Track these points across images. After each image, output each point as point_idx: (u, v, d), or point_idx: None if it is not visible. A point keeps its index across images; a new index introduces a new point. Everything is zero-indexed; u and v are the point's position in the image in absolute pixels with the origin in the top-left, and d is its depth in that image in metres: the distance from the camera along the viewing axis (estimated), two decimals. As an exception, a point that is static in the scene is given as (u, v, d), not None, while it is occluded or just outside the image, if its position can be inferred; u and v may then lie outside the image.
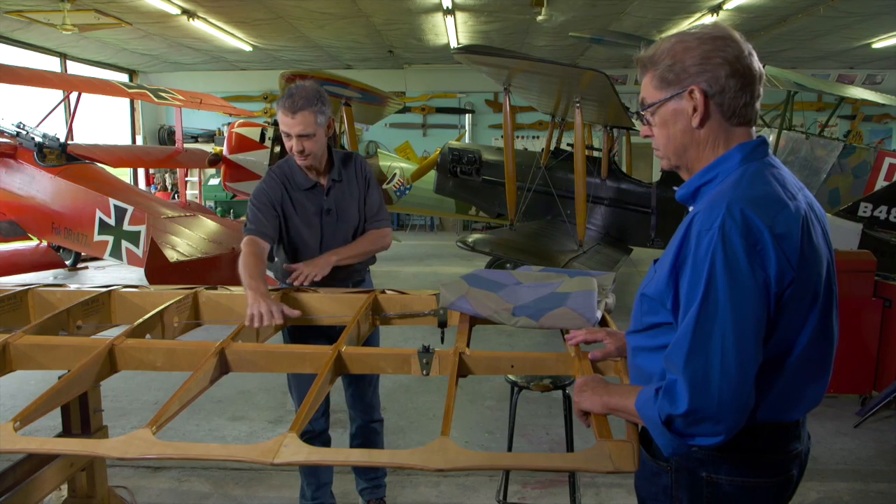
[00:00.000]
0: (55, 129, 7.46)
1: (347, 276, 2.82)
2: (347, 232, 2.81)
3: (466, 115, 15.36)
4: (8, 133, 7.00)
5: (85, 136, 10.84)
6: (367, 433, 3.05)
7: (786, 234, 1.28)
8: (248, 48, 12.26)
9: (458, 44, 11.39)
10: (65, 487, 2.68)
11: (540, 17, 9.45)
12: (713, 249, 1.26)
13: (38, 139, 6.87)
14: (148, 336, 2.20)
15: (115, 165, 7.95)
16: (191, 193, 12.22)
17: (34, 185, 6.74)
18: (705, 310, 1.26)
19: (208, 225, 6.42)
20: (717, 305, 1.25)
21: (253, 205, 2.70)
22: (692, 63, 1.36)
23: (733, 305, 1.25)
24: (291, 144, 2.61)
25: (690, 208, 1.46)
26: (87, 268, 9.48)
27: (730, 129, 1.40)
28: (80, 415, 2.63)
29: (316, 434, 2.90)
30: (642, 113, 1.47)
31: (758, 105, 1.41)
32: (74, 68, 12.99)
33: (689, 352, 1.27)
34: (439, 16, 10.08)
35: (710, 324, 1.25)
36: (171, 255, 5.47)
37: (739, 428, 1.29)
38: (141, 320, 2.21)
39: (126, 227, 6.14)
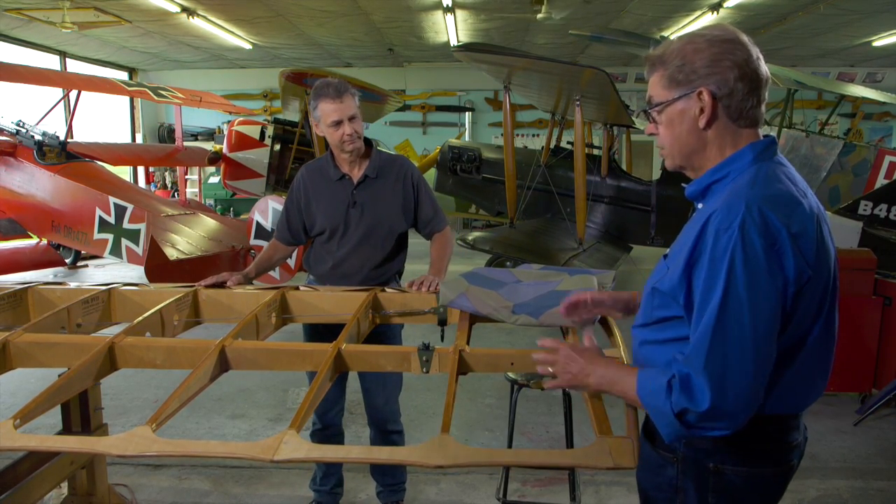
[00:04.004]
0: (55, 127, 7.45)
1: (384, 284, 2.83)
2: (374, 230, 2.80)
3: (466, 114, 15.36)
4: (8, 131, 6.99)
5: (85, 134, 10.84)
6: (384, 444, 2.98)
7: (801, 233, 1.30)
8: (247, 46, 12.25)
9: (458, 42, 11.38)
10: (65, 485, 2.69)
11: (540, 15, 9.45)
12: (732, 248, 1.27)
13: (37, 137, 6.86)
14: (148, 334, 2.19)
15: (114, 163, 7.95)
16: (191, 191, 12.21)
17: (34, 183, 6.73)
18: (725, 309, 1.28)
19: (208, 223, 6.43)
20: (738, 304, 1.27)
21: (283, 208, 2.93)
22: (702, 65, 1.38)
23: (752, 304, 1.27)
24: (342, 132, 2.66)
25: (699, 206, 1.48)
26: (86, 266, 9.48)
27: (737, 131, 1.42)
28: (81, 413, 2.63)
29: (322, 428, 2.95)
30: (649, 111, 1.48)
31: (763, 108, 1.43)
32: (74, 66, 12.99)
33: (709, 350, 1.28)
34: (439, 14, 10.07)
35: (730, 322, 1.28)
36: (171, 254, 5.47)
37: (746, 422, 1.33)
38: (141, 318, 2.20)
39: (126, 225, 6.14)
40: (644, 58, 1.50)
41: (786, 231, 1.28)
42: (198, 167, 10.80)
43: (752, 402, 1.30)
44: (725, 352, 1.27)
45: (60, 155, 6.78)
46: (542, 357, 1.59)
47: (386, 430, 2.99)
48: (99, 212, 6.24)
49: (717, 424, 1.30)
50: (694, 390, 1.29)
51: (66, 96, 8.07)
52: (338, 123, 2.65)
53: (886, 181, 7.78)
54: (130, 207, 6.14)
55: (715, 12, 9.57)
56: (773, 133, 8.07)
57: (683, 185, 1.53)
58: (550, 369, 1.56)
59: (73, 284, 2.71)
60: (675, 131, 1.45)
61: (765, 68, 1.40)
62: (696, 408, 1.28)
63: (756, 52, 1.39)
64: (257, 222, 5.87)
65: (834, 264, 1.41)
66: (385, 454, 1.97)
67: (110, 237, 6.22)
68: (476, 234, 6.40)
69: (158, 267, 5.09)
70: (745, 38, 1.40)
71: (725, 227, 1.29)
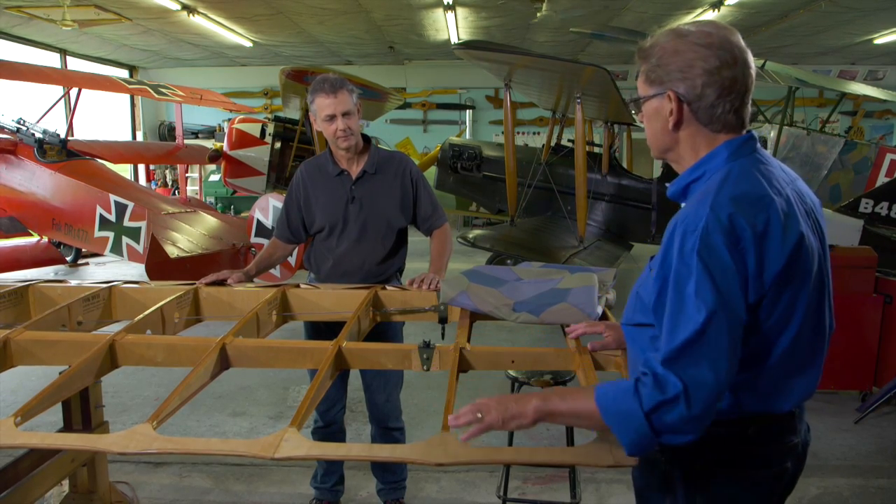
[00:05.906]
0: (55, 125, 7.45)
1: (385, 281, 2.82)
2: (373, 225, 2.80)
3: (467, 111, 15.34)
4: (8, 129, 6.99)
5: (85, 132, 10.84)
6: (384, 441, 2.99)
7: (769, 232, 1.29)
8: (248, 44, 12.24)
9: (459, 39, 11.37)
10: (66, 483, 2.69)
11: (541, 13, 9.43)
12: (699, 250, 1.27)
13: (38, 135, 6.86)
14: (148, 332, 2.20)
15: (115, 161, 7.95)
16: (191, 189, 12.20)
17: (34, 181, 6.74)
18: (688, 307, 1.26)
19: (209, 221, 6.43)
20: (703, 303, 1.25)
21: (283, 205, 2.92)
22: (675, 68, 1.38)
23: (719, 303, 1.25)
24: (335, 127, 2.67)
25: (682, 205, 1.47)
26: (87, 264, 9.49)
27: (710, 135, 1.41)
28: (81, 410, 2.63)
29: (324, 426, 2.96)
30: (634, 101, 1.50)
31: (745, 113, 1.40)
32: (74, 64, 12.98)
33: (679, 348, 1.25)
34: (440, 11, 10.06)
35: (694, 322, 1.25)
36: (172, 251, 5.48)
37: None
38: (141, 316, 2.21)
39: (126, 223, 6.14)
40: (637, 48, 1.50)
41: (750, 231, 1.27)
42: (198, 165, 10.79)
43: (716, 403, 1.26)
44: (693, 350, 1.25)
45: (61, 153, 6.78)
46: (463, 412, 1.45)
47: (387, 428, 3.00)
48: (99, 210, 6.25)
49: (688, 428, 1.25)
50: (667, 383, 1.24)
51: (66, 94, 8.07)
52: (331, 118, 2.66)
53: (887, 179, 7.78)
54: (131, 205, 6.14)
55: (716, 10, 9.55)
56: (775, 131, 8.11)
57: (667, 184, 1.54)
58: (479, 414, 1.44)
59: (73, 282, 2.71)
60: (652, 126, 1.48)
61: (745, 75, 1.36)
62: (668, 397, 1.23)
63: (739, 56, 1.35)
64: (258, 220, 5.88)
65: (821, 259, 1.39)
66: (386, 452, 1.96)
67: (111, 235, 6.22)
68: (477, 231, 6.40)
69: (159, 265, 5.10)
70: (734, 39, 1.36)
71: (692, 230, 1.29)
